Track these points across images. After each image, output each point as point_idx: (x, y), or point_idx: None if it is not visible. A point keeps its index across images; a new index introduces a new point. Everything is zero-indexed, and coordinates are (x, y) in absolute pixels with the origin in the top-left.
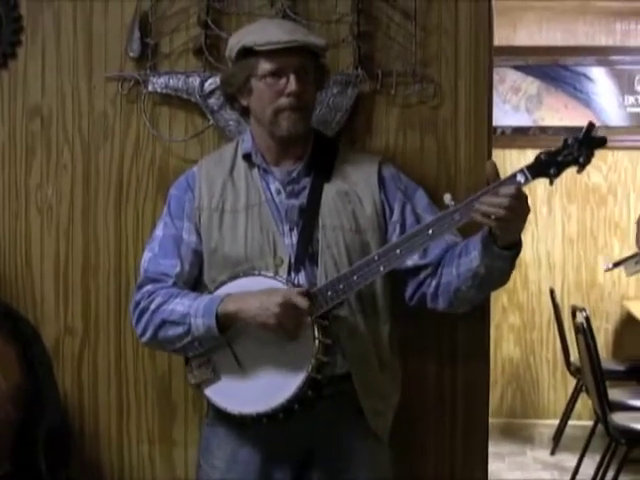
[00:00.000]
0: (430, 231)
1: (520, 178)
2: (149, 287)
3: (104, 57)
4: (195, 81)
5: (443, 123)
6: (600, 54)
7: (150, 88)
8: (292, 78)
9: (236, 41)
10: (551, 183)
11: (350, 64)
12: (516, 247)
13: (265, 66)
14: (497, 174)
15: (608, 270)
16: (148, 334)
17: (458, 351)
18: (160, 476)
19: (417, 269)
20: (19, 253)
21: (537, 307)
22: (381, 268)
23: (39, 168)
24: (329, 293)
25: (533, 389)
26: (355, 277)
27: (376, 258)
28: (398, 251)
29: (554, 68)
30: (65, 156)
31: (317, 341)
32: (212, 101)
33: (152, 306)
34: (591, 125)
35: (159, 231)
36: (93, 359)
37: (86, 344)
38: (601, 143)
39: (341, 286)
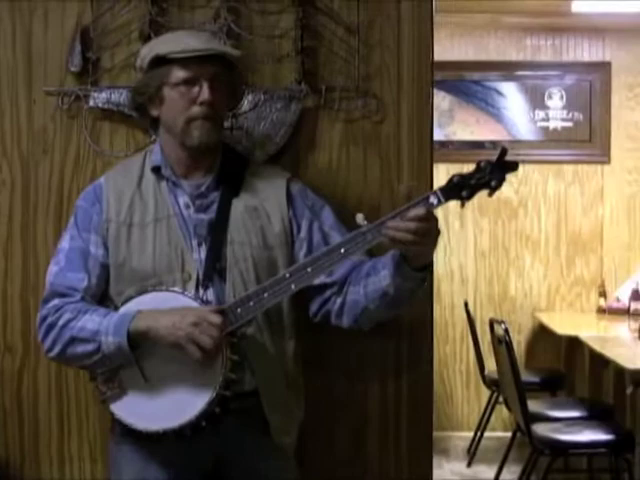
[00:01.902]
0: (342, 250)
1: (433, 200)
2: (56, 302)
3: (44, 71)
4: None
5: (386, 138)
6: (511, 69)
7: (91, 103)
8: (205, 86)
9: (148, 50)
10: (462, 205)
11: (294, 79)
12: (427, 268)
13: (179, 74)
14: (410, 197)
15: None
16: (56, 350)
17: (403, 366)
18: None
19: (323, 287)
20: None
21: (450, 320)
22: (292, 286)
23: None
24: (239, 310)
25: (447, 402)
26: (266, 295)
27: (287, 276)
28: (309, 269)
29: (465, 83)
30: (4, 171)
31: (225, 358)
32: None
33: (60, 322)
34: (504, 150)
35: (65, 243)
36: (33, 378)
37: (26, 363)
38: (513, 168)
39: (251, 303)
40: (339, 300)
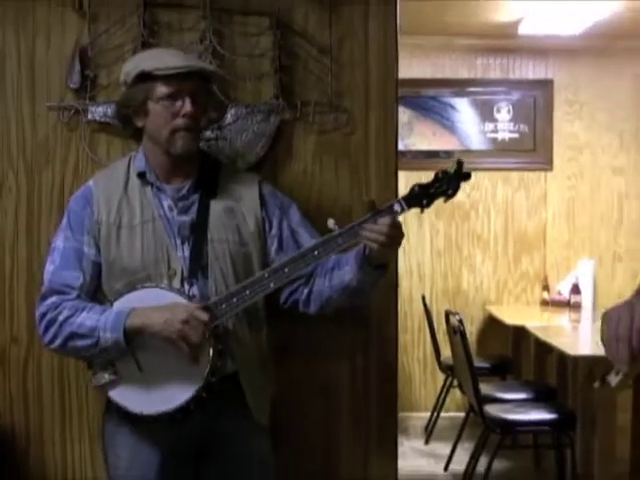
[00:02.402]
0: (316, 252)
1: (397, 208)
2: (54, 299)
3: (46, 88)
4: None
5: (355, 148)
6: (463, 86)
7: (89, 116)
8: (187, 101)
9: (133, 66)
10: (422, 211)
11: (272, 95)
12: (384, 267)
13: (162, 89)
14: (374, 204)
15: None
16: (57, 343)
17: (371, 352)
18: (99, 472)
19: (292, 279)
20: None
21: (409, 312)
22: (271, 285)
23: None
24: (224, 306)
25: (407, 385)
26: (247, 292)
27: (266, 275)
28: (286, 270)
29: (423, 99)
30: (10, 179)
31: (212, 348)
32: None
33: (60, 318)
34: (460, 162)
35: (60, 243)
36: (37, 366)
37: (30, 352)
38: (467, 178)
39: (234, 300)
40: (306, 290)
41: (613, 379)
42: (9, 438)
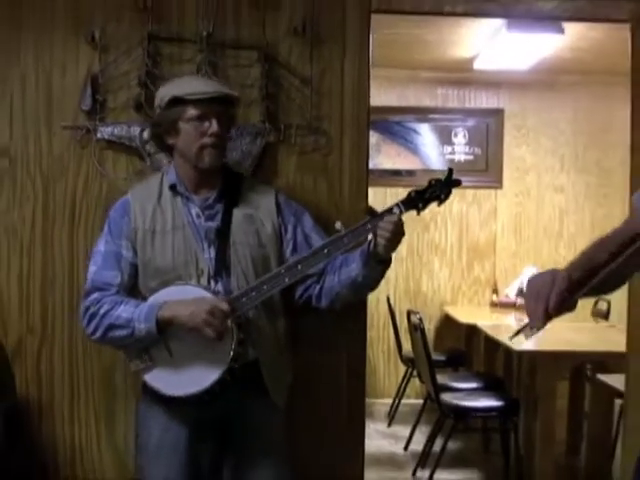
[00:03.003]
0: (325, 251)
1: (396, 210)
2: (96, 295)
3: (61, 109)
4: (135, 130)
5: (332, 167)
6: (425, 113)
7: (99, 135)
8: (214, 122)
9: (166, 92)
10: (418, 214)
11: (259, 119)
12: (387, 263)
13: (192, 112)
14: (372, 209)
15: (512, 338)
16: (98, 334)
17: (342, 346)
18: (104, 445)
19: (305, 277)
20: None
21: (375, 312)
22: (286, 280)
23: (6, 198)
24: (244, 299)
25: (372, 375)
26: (265, 287)
27: (282, 271)
28: (299, 267)
29: (389, 124)
30: (28, 189)
31: (235, 337)
32: (148, 146)
33: (101, 311)
34: (451, 170)
35: (101, 247)
36: (50, 353)
37: (44, 341)
38: (457, 184)
39: (254, 294)
40: (318, 286)
41: (528, 333)
42: (25, 416)
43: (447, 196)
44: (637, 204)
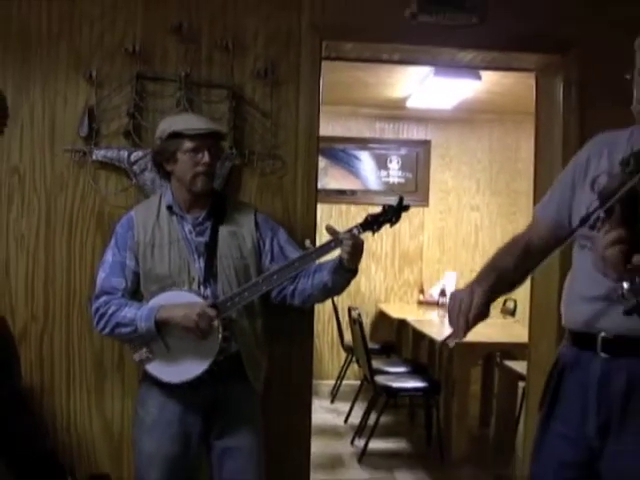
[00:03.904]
0: (296, 264)
1: (355, 231)
2: (105, 298)
3: (62, 136)
4: (124, 154)
5: (287, 186)
6: (365, 143)
7: (93, 157)
8: (206, 153)
9: (167, 126)
10: (373, 234)
11: (227, 146)
12: (354, 272)
13: (189, 144)
14: (335, 230)
15: (441, 344)
16: (107, 330)
17: (295, 336)
18: (94, 415)
19: (279, 283)
20: (1, 266)
21: (321, 308)
22: (263, 288)
23: (16, 209)
24: (228, 304)
25: (318, 361)
26: (246, 293)
27: (260, 281)
28: (275, 277)
29: (335, 151)
30: (34, 201)
31: (220, 335)
32: (135, 167)
33: (109, 311)
34: (401, 198)
35: (109, 257)
36: (50, 338)
37: (45, 328)
38: (406, 209)
39: (237, 299)
40: (291, 288)
41: (451, 342)
42: (29, 392)
43: (397, 219)
44: (537, 215)
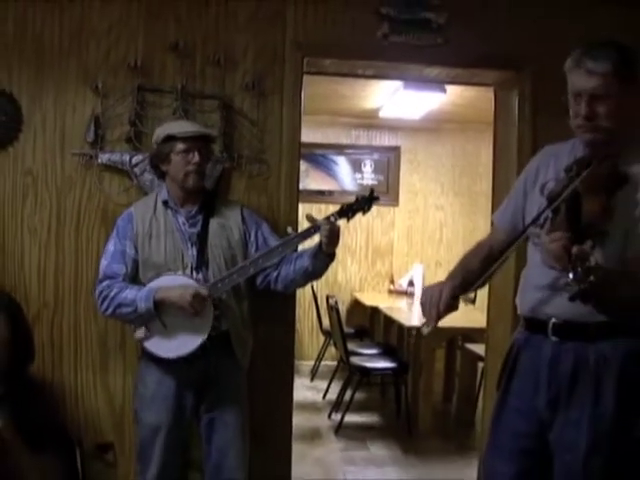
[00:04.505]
0: (280, 249)
1: (332, 219)
2: (107, 282)
3: (71, 141)
4: (126, 157)
5: (271, 188)
6: (342, 149)
7: (99, 161)
8: (196, 154)
9: (162, 131)
10: (348, 221)
11: (219, 150)
12: (332, 256)
13: (181, 146)
14: (314, 218)
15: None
16: (109, 311)
17: (276, 319)
18: (99, 390)
19: (264, 267)
20: (17, 256)
21: (302, 295)
22: (251, 270)
23: (29, 206)
24: (219, 285)
25: (300, 343)
26: (235, 275)
27: (248, 264)
28: (261, 260)
29: (315, 156)
30: (45, 199)
31: (212, 314)
32: (136, 169)
33: (111, 294)
34: (372, 190)
35: (111, 247)
36: (60, 323)
37: (56, 313)
38: (377, 199)
39: (226, 281)
40: (275, 274)
41: (425, 330)
42: (41, 370)
43: (369, 208)
44: (495, 222)
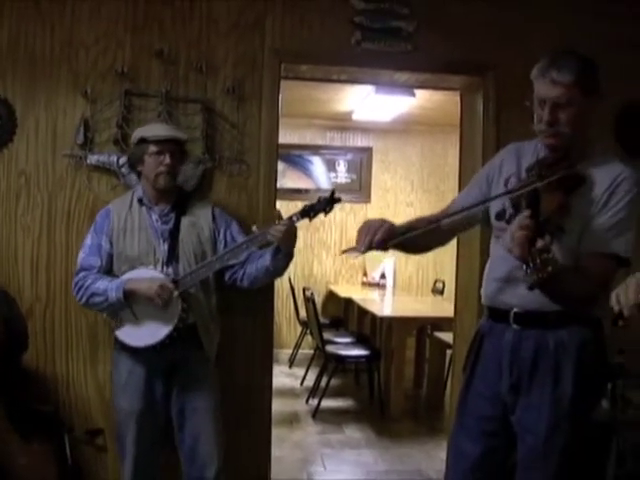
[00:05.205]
0: (244, 246)
1: (294, 218)
2: (83, 273)
3: (62, 143)
4: (114, 158)
5: (251, 187)
6: (317, 149)
7: (88, 162)
8: (167, 156)
9: (138, 134)
10: (310, 221)
11: (201, 151)
12: (290, 256)
13: (153, 148)
14: (281, 215)
15: (341, 254)
16: (83, 300)
17: (257, 312)
18: (89, 379)
19: (232, 265)
20: (10, 254)
21: (280, 287)
22: (217, 265)
23: (23, 205)
24: (187, 279)
25: (278, 333)
26: (202, 270)
27: (214, 260)
28: (226, 257)
29: (292, 156)
30: (38, 198)
31: (180, 306)
32: (123, 170)
33: (86, 284)
34: (333, 191)
35: (88, 240)
36: (52, 314)
37: (48, 306)
38: (338, 200)
39: (194, 275)
40: (241, 272)
41: (353, 254)
42: (34, 361)
43: (331, 209)
44: (457, 200)
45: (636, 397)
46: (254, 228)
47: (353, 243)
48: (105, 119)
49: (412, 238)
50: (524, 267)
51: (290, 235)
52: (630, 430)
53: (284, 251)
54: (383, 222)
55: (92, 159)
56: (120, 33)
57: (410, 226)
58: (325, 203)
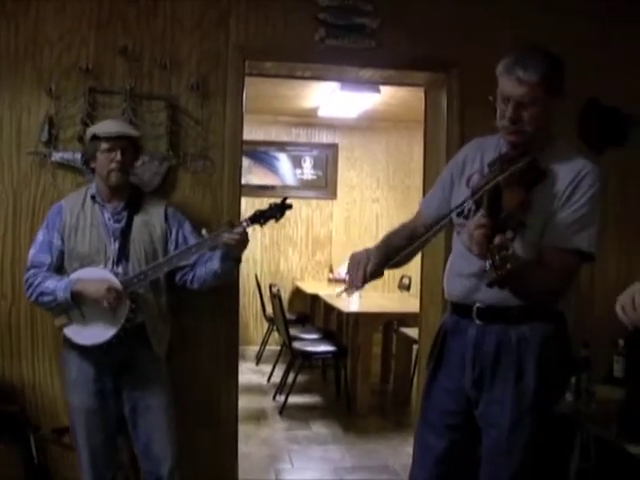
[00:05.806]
0: (193, 250)
1: (245, 224)
2: (33, 270)
3: (27, 141)
4: (79, 155)
5: (215, 184)
6: (283, 146)
7: (52, 159)
8: (118, 153)
9: (91, 131)
10: (261, 227)
11: (165, 148)
12: (238, 260)
13: (104, 145)
14: (231, 222)
15: (338, 295)
16: (32, 298)
17: (222, 310)
18: (55, 378)
19: (183, 267)
20: None
21: (247, 284)
22: (165, 268)
23: None
24: (135, 280)
25: (245, 329)
26: (150, 272)
27: (162, 262)
28: (174, 259)
29: (258, 153)
30: (2, 196)
31: (128, 306)
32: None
33: (35, 282)
34: (285, 198)
35: (40, 237)
36: (17, 314)
37: (13, 304)
38: (289, 208)
39: (142, 277)
40: (191, 274)
41: (349, 292)
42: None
43: (282, 216)
44: (422, 207)
45: (600, 390)
46: (203, 232)
47: (320, 239)
48: (70, 116)
49: (393, 257)
50: (483, 264)
51: (242, 241)
52: (594, 424)
53: (232, 256)
54: (368, 252)
55: (57, 156)
56: (84, 30)
57: (389, 242)
58: (276, 210)
